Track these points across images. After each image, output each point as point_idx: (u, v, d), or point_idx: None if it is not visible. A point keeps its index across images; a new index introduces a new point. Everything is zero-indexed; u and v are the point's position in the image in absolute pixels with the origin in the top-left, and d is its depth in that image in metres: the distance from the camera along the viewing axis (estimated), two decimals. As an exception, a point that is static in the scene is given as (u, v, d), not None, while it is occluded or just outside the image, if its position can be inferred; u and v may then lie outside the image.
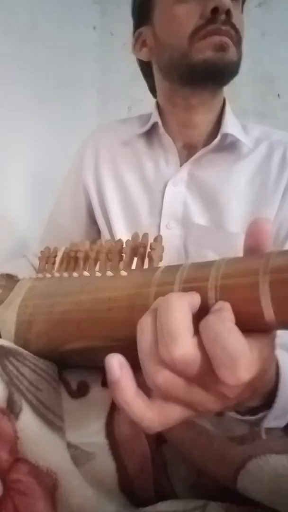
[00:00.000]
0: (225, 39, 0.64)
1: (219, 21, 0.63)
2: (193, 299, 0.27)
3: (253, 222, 0.29)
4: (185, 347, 0.24)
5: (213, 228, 0.73)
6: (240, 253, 0.30)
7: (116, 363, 0.26)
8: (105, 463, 0.35)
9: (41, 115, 1.24)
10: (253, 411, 0.35)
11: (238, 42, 0.66)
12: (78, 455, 0.34)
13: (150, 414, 0.25)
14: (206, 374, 0.24)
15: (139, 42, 0.75)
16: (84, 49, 1.43)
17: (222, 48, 0.64)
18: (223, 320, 0.25)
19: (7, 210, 1.18)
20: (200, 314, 0.26)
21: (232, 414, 0.35)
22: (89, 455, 0.35)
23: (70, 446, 0.34)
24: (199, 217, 0.74)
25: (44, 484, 0.31)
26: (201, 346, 0.24)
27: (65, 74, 1.33)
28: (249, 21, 1.20)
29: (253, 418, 0.34)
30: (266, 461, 0.31)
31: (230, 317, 0.25)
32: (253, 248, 0.29)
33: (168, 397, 0.25)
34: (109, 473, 0.35)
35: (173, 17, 0.67)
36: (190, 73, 0.67)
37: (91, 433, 0.37)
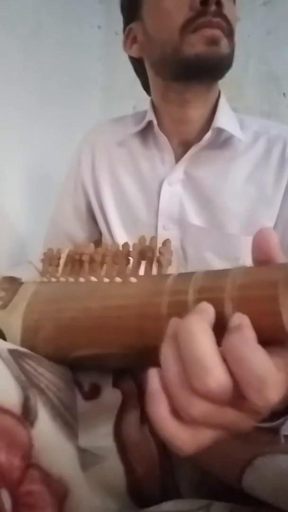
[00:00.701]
0: (217, 31, 0.62)
1: (209, 12, 0.61)
2: (210, 315, 0.26)
3: (258, 234, 0.29)
4: (218, 376, 0.23)
5: (210, 229, 0.72)
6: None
7: (157, 377, 0.25)
8: (114, 466, 0.35)
9: (46, 114, 1.25)
10: (273, 416, 0.34)
11: (230, 34, 0.64)
12: (86, 458, 0.34)
13: (184, 436, 0.25)
14: (237, 394, 0.24)
15: (129, 38, 0.73)
16: (89, 49, 1.43)
17: (213, 41, 0.62)
18: (246, 340, 0.24)
19: (9, 211, 1.19)
20: (216, 325, 0.26)
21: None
22: (98, 458, 0.35)
23: (80, 450, 0.34)
24: (196, 218, 0.73)
25: (54, 492, 0.31)
26: (229, 368, 0.24)
27: (70, 73, 1.33)
28: (254, 20, 1.21)
29: (273, 424, 0.34)
30: (272, 460, 0.31)
31: (252, 336, 0.24)
32: (263, 261, 0.28)
33: (203, 423, 0.25)
34: (117, 476, 0.35)
35: (162, 11, 0.65)
36: (182, 68, 0.65)
37: (100, 436, 0.37)
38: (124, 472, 0.35)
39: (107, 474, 0.34)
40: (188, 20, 0.62)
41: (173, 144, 0.74)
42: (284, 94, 1.20)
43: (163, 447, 0.36)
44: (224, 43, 0.63)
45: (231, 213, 0.71)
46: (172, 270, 0.72)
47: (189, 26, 0.62)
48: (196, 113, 0.71)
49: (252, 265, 0.29)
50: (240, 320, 0.25)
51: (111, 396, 0.40)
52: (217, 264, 0.70)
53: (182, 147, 0.74)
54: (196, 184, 0.73)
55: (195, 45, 0.62)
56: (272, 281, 0.25)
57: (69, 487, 0.31)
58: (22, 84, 1.20)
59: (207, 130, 0.71)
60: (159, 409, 0.25)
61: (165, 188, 0.74)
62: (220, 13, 0.61)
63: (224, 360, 0.24)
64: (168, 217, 0.74)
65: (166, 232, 0.74)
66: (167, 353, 0.26)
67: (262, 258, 0.28)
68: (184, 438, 0.24)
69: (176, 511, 0.32)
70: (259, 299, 0.26)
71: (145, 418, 0.34)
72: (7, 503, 0.29)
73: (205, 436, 0.25)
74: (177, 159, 0.74)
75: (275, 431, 0.35)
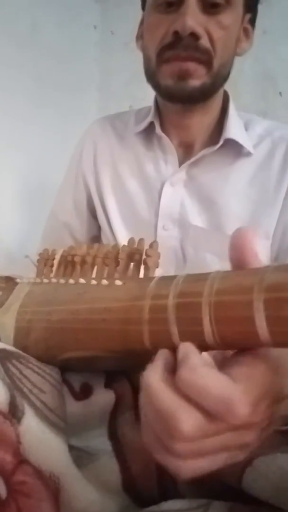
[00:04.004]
0: (187, 65, 0.60)
1: (180, 46, 0.59)
2: (166, 359, 0.27)
3: (236, 232, 0.28)
4: (188, 419, 0.24)
5: (210, 230, 0.72)
6: None
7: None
8: (109, 464, 0.35)
9: (41, 114, 1.25)
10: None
11: (208, 62, 0.61)
12: (81, 457, 0.34)
13: (179, 465, 0.25)
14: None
15: (140, 29, 0.72)
16: (85, 49, 1.43)
17: (181, 77, 0.61)
18: (193, 369, 0.24)
19: (5, 213, 1.18)
20: (194, 333, 0.26)
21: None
22: (92, 457, 0.35)
23: (72, 448, 0.34)
24: (197, 219, 0.73)
25: (48, 487, 0.31)
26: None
27: (65, 73, 1.33)
28: (250, 19, 1.20)
29: (284, 428, 0.33)
30: (272, 460, 0.31)
31: (197, 362, 0.25)
32: (238, 262, 0.28)
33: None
34: (113, 474, 0.35)
35: (149, 25, 0.65)
36: (159, 93, 0.66)
37: (94, 435, 0.37)
38: (119, 470, 0.35)
39: (103, 472, 0.34)
40: (162, 49, 0.62)
41: (174, 144, 0.74)
42: (280, 93, 1.20)
43: None
44: (198, 74, 0.61)
45: (232, 214, 0.71)
46: (171, 270, 0.72)
47: (163, 55, 0.62)
48: (195, 121, 0.71)
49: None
50: (185, 350, 0.26)
51: (103, 396, 0.40)
52: (217, 265, 0.70)
53: (184, 148, 0.74)
54: (198, 185, 0.73)
55: (165, 78, 0.63)
56: (247, 286, 0.25)
57: (61, 483, 0.31)
58: (18, 84, 1.19)
59: (213, 136, 0.71)
60: (152, 447, 0.26)
61: (167, 188, 0.74)
62: (194, 45, 0.59)
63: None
64: (169, 217, 0.74)
65: (166, 232, 0.74)
66: (146, 411, 0.26)
67: (236, 259, 0.28)
68: (181, 469, 0.25)
69: (176, 510, 0.32)
70: (234, 304, 0.25)
71: (139, 417, 0.34)
72: (1, 487, 0.29)
73: (202, 464, 0.25)
74: (179, 159, 0.74)
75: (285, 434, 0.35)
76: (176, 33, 0.59)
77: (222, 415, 0.23)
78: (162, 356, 0.27)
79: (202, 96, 0.65)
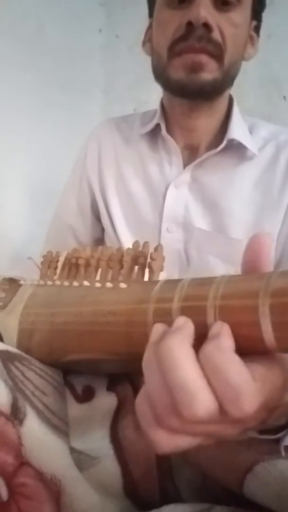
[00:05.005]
0: (200, 57, 0.61)
1: (193, 36, 0.60)
2: (190, 332, 0.26)
3: (255, 236, 0.29)
4: (205, 402, 0.23)
5: (214, 233, 0.72)
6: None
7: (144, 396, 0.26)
8: (110, 467, 0.35)
9: (47, 117, 1.25)
10: (277, 430, 0.34)
11: (220, 56, 0.62)
12: (82, 459, 0.34)
13: (162, 439, 0.25)
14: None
15: (147, 34, 0.73)
16: (90, 52, 1.44)
17: (194, 69, 0.61)
18: (222, 350, 0.24)
19: (11, 213, 1.19)
20: (198, 334, 0.26)
21: (250, 432, 0.34)
22: (94, 460, 0.35)
23: (74, 451, 0.34)
24: (201, 221, 0.73)
25: (49, 489, 0.31)
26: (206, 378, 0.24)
27: (70, 76, 1.34)
28: (255, 23, 1.20)
29: (272, 437, 0.33)
30: (274, 466, 0.31)
31: (229, 345, 0.24)
32: (252, 262, 0.28)
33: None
34: (114, 477, 0.35)
35: (160, 22, 0.65)
36: (169, 88, 0.66)
37: (96, 438, 0.36)
38: (121, 473, 0.35)
39: (104, 475, 0.34)
40: (174, 42, 0.62)
41: (179, 146, 0.74)
42: (284, 97, 1.20)
43: None
44: (210, 68, 0.62)
45: (236, 218, 0.71)
46: (174, 273, 0.72)
47: (175, 48, 0.62)
48: (201, 122, 0.71)
49: (241, 268, 0.29)
50: (220, 329, 0.25)
51: (105, 399, 0.40)
52: (221, 268, 0.70)
53: (189, 151, 0.74)
54: (203, 187, 0.73)
55: (177, 70, 0.63)
56: (252, 291, 0.25)
57: (62, 486, 0.31)
58: (23, 87, 1.20)
59: (217, 138, 0.71)
60: (143, 416, 0.25)
61: (171, 190, 0.74)
62: (207, 37, 0.60)
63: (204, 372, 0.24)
64: (173, 220, 0.74)
65: (170, 234, 0.74)
66: (151, 378, 0.25)
67: (251, 260, 0.28)
68: (162, 442, 0.25)
69: None
70: (240, 309, 0.25)
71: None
72: (3, 489, 0.29)
73: (183, 442, 0.25)
74: (184, 162, 0.74)
75: (277, 441, 0.34)
76: (189, 24, 0.60)
77: (228, 403, 0.23)
78: (189, 328, 0.26)
79: (212, 91, 0.65)
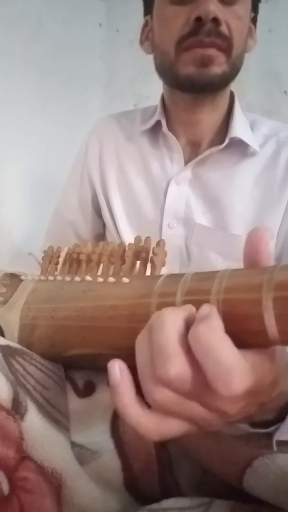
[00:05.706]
0: (209, 51, 0.61)
1: (202, 31, 0.60)
2: (189, 313, 0.26)
3: (253, 231, 0.29)
4: (178, 366, 0.24)
5: (215, 229, 0.72)
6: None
7: (116, 368, 0.26)
8: (111, 462, 0.35)
9: (47, 112, 1.25)
10: (268, 424, 0.34)
11: (228, 49, 0.62)
12: (83, 454, 0.34)
13: (147, 423, 0.25)
14: (203, 388, 0.24)
15: (144, 33, 0.72)
16: (90, 46, 1.43)
17: (204, 63, 0.61)
18: (214, 330, 0.24)
19: (10, 209, 1.19)
20: None
21: (243, 426, 0.35)
22: (95, 454, 0.35)
23: (75, 445, 0.34)
24: (202, 217, 0.73)
25: (50, 483, 0.31)
26: (196, 360, 0.24)
27: (71, 71, 1.34)
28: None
29: (264, 431, 0.34)
30: (273, 460, 0.31)
31: (220, 325, 0.25)
32: (250, 256, 0.28)
33: (167, 412, 0.25)
34: (115, 472, 0.35)
35: (164, 19, 0.65)
36: (177, 84, 0.66)
37: (96, 432, 0.37)
38: (121, 467, 0.35)
39: (104, 469, 0.34)
40: (182, 37, 0.62)
41: (181, 143, 0.74)
42: (285, 91, 1.20)
43: (161, 443, 0.37)
44: (219, 61, 0.62)
45: (237, 214, 0.71)
46: (175, 269, 0.72)
47: (183, 43, 0.62)
48: (204, 117, 0.71)
49: (241, 264, 0.29)
50: (209, 310, 0.25)
51: (106, 393, 0.40)
52: (221, 264, 0.71)
53: (190, 147, 0.74)
54: (204, 184, 0.73)
55: (187, 65, 0.63)
56: (256, 284, 0.25)
57: (63, 480, 0.31)
58: (23, 82, 1.20)
59: (219, 135, 0.71)
60: (122, 397, 0.26)
61: (172, 187, 0.74)
62: (215, 31, 0.60)
63: (190, 351, 0.24)
64: (174, 216, 0.74)
65: (171, 230, 0.74)
66: (140, 339, 0.27)
67: (250, 254, 0.28)
68: (148, 426, 0.25)
69: (177, 508, 0.33)
70: (243, 302, 0.25)
71: None
72: (4, 483, 0.29)
73: (171, 427, 0.25)
74: (185, 158, 0.74)
75: (270, 437, 0.35)
76: (198, 19, 0.60)
77: (218, 381, 0.23)
78: (189, 308, 0.27)
79: (221, 84, 0.66)
